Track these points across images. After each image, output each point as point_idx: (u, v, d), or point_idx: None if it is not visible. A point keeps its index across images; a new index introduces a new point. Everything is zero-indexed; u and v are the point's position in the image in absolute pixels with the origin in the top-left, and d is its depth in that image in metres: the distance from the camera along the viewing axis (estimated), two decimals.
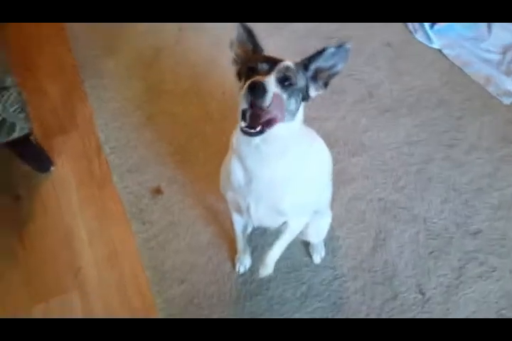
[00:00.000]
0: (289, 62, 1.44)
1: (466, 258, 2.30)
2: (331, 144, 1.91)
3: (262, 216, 1.78)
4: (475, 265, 2.29)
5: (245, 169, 1.61)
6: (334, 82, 2.80)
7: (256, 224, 1.94)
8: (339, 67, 1.49)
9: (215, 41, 3.19)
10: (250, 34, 1.55)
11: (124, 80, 3.04)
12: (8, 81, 2.12)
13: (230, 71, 2.90)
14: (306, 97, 1.52)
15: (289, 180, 1.63)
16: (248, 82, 1.36)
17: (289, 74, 1.41)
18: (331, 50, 1.44)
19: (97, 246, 2.41)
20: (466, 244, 2.35)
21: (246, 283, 2.27)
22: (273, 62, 1.43)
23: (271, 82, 1.36)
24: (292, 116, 1.47)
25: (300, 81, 1.46)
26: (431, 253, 2.32)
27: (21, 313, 2.23)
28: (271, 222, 1.90)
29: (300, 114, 1.53)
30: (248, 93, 1.34)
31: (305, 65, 1.48)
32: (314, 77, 1.51)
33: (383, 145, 2.68)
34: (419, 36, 3.20)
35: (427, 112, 2.82)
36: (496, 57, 3.08)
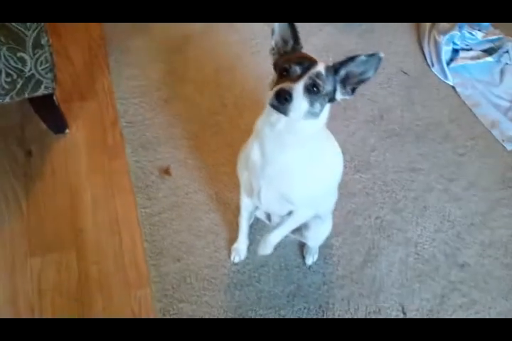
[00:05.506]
0: (320, 68, 1.49)
1: (450, 288, 2.37)
2: None
3: (270, 200, 1.85)
4: (457, 295, 2.35)
5: (263, 154, 1.67)
6: (348, 99, 2.89)
7: (264, 208, 2.00)
8: (369, 74, 1.52)
9: (242, 39, 3.23)
10: (293, 28, 1.58)
11: (148, 60, 3.07)
12: (44, 40, 2.14)
13: (251, 71, 2.98)
14: (332, 100, 1.57)
15: (301, 170, 1.70)
16: (276, 88, 1.44)
17: (318, 81, 1.47)
18: (363, 57, 1.48)
19: (100, 212, 2.43)
20: (451, 274, 2.41)
21: (239, 272, 2.31)
22: (306, 67, 1.48)
23: (298, 90, 1.44)
24: (316, 116, 1.54)
25: (328, 86, 1.51)
26: (418, 276, 2.38)
27: (17, 265, 2.24)
28: (278, 208, 1.95)
29: (325, 113, 1.58)
30: (274, 98, 1.43)
31: (336, 69, 1.52)
32: (343, 81, 1.55)
33: (387, 167, 2.75)
34: (436, 70, 3.27)
35: (432, 144, 2.89)
36: (505, 103, 3.17)
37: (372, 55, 1.48)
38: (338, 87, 1.56)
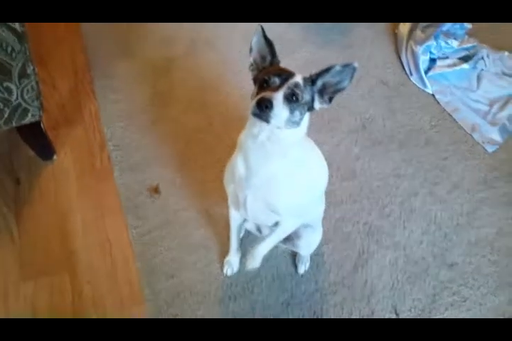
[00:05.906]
0: (298, 79, 1.57)
1: (440, 287, 2.41)
2: None
3: (256, 210, 1.90)
4: (448, 294, 2.40)
5: (247, 166, 1.73)
6: (331, 111, 2.97)
7: (251, 219, 2.05)
8: (345, 83, 1.61)
9: (224, 58, 3.30)
10: (269, 44, 1.66)
11: (133, 84, 3.13)
12: (30, 69, 2.20)
13: (235, 89, 3.04)
14: (311, 109, 1.65)
15: (285, 180, 1.75)
16: (258, 97, 1.51)
17: (297, 91, 1.55)
18: (338, 67, 1.57)
19: (91, 234, 2.48)
20: (441, 273, 2.46)
21: (232, 285, 2.36)
22: (284, 78, 1.56)
23: (278, 98, 1.51)
24: (297, 125, 1.61)
25: (306, 95, 1.58)
26: (408, 278, 2.43)
27: (10, 290, 2.28)
28: (264, 218, 2.00)
29: (305, 122, 1.66)
30: (256, 107, 1.49)
31: (313, 79, 1.61)
32: (321, 91, 1.64)
33: (372, 175, 2.80)
34: (415, 79, 3.33)
35: (415, 150, 2.94)
36: (483, 107, 3.23)
37: (346, 65, 1.57)
38: (316, 97, 1.64)
